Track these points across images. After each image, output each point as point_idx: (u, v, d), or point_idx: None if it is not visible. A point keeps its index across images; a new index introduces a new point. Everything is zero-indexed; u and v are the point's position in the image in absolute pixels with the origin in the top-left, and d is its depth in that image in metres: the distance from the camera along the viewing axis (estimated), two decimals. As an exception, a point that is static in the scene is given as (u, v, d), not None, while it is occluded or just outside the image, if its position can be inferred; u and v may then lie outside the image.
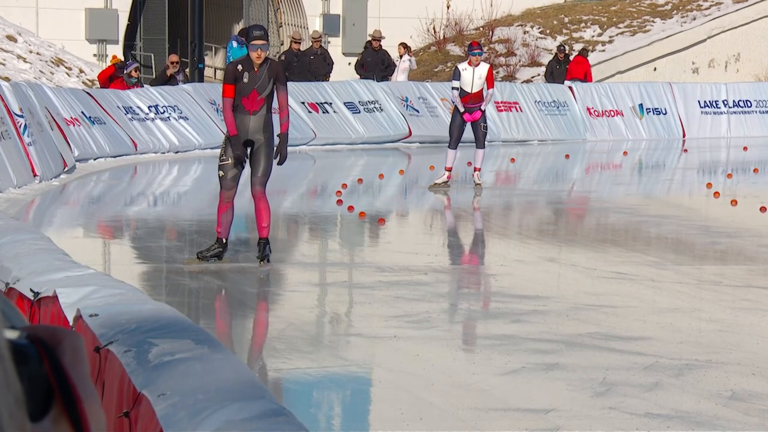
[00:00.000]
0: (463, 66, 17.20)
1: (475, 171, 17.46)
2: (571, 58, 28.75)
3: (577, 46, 31.95)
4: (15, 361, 1.01)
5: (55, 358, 1.03)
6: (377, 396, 7.49)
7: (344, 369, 7.99)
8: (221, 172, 10.95)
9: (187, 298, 10.25)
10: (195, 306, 10.00)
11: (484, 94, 17.06)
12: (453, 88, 17.31)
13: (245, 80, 10.69)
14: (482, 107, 17.19)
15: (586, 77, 27.75)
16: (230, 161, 10.85)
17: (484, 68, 17.08)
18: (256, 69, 10.66)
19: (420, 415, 6.74)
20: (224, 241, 10.93)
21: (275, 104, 10.89)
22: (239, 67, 10.73)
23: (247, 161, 10.97)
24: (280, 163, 11.09)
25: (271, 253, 11.02)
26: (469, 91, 17.03)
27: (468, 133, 17.31)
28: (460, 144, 17.44)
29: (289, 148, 25.54)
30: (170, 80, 24.33)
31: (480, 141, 17.24)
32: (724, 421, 6.55)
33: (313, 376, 7.72)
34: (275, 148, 11.00)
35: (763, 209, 15.26)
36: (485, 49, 32.80)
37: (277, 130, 10.91)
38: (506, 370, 7.63)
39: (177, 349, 3.30)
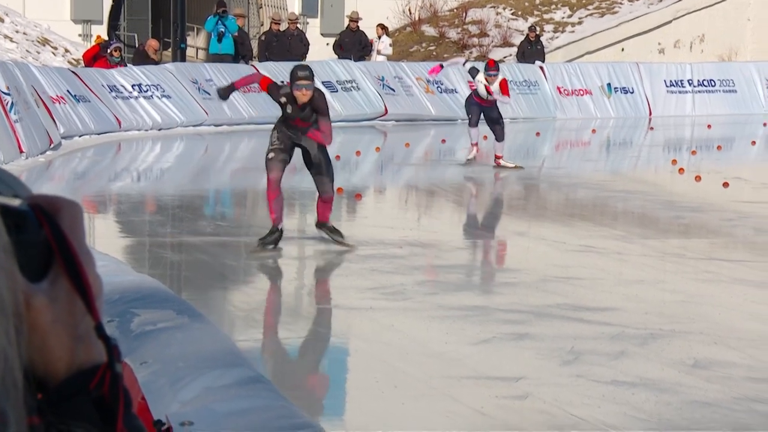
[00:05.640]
0: (480, 78, 17.10)
1: (496, 159, 17.27)
2: (544, 39, 28.79)
3: (548, 27, 31.96)
4: (15, 226, 1.02)
5: (54, 223, 1.04)
6: (353, 365, 7.51)
7: (321, 339, 8.01)
8: (271, 155, 10.69)
9: (169, 271, 10.24)
10: (177, 278, 9.99)
11: (498, 96, 17.06)
12: (471, 70, 17.38)
13: (289, 111, 10.52)
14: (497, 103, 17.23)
15: None
16: (281, 146, 10.62)
17: (497, 81, 16.99)
18: (299, 104, 10.42)
19: (394, 383, 6.76)
20: (280, 227, 10.74)
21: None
22: (283, 99, 10.52)
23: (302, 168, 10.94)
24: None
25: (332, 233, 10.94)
26: (483, 98, 17.12)
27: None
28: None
29: (267, 126, 25.53)
30: (148, 59, 24.36)
31: (498, 136, 17.14)
32: (686, 388, 6.60)
33: (292, 345, 7.73)
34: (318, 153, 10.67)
35: (725, 185, 15.32)
36: (458, 30, 32.79)
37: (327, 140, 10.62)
38: (478, 339, 7.66)
39: (158, 319, 3.30)
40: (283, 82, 10.65)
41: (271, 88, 10.77)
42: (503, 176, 16.76)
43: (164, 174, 17.91)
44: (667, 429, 5.98)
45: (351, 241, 10.83)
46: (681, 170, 16.96)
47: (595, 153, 21.48)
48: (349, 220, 13.95)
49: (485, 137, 18.16)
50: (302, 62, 11.41)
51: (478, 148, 17.59)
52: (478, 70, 17.23)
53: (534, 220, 13.92)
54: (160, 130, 22.05)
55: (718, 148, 21.34)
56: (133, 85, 22.28)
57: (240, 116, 23.22)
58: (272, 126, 11.05)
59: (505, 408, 6.24)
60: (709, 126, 24.60)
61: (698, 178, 15.99)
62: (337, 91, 24.76)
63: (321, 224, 10.93)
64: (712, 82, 27.77)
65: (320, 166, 10.64)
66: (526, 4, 33.53)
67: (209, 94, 23.11)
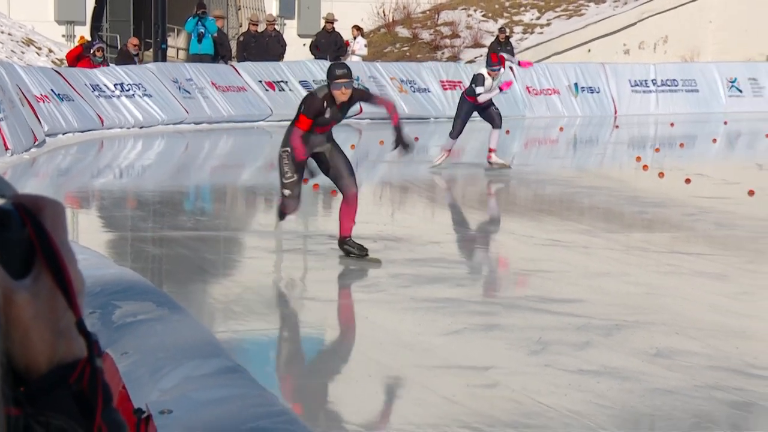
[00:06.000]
0: (485, 73, 16.31)
1: (489, 152, 16.68)
2: (513, 40, 28.83)
3: (518, 29, 32.00)
4: (0, 224, 1.03)
5: (37, 222, 1.05)
6: (329, 355, 7.52)
7: (297, 330, 8.01)
8: (287, 191, 9.88)
9: (150, 264, 10.22)
10: (158, 271, 9.98)
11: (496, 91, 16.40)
12: (475, 86, 16.39)
13: (326, 115, 9.69)
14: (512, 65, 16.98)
15: None
16: (295, 178, 9.83)
17: (501, 75, 16.33)
18: (338, 104, 9.67)
19: (368, 372, 6.78)
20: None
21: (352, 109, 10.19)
22: (325, 104, 9.63)
23: (316, 172, 10.17)
24: (407, 151, 10.01)
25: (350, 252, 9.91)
26: (480, 101, 16.43)
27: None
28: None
29: (246, 124, 25.47)
30: (130, 59, 24.38)
31: (495, 122, 16.49)
32: (649, 376, 6.63)
33: (269, 336, 7.74)
34: (399, 141, 9.89)
35: (687, 181, 15.39)
36: (431, 31, 32.79)
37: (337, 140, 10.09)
38: (449, 330, 7.68)
39: (139, 311, 3.31)
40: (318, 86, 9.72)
41: (308, 111, 9.66)
42: (472, 173, 16.75)
43: (145, 171, 17.87)
44: (629, 416, 6.01)
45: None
46: (645, 167, 17.02)
47: (562, 150, 21.52)
48: (325, 215, 13.96)
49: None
50: (340, 61, 10.53)
51: (449, 155, 16.86)
52: (481, 74, 16.33)
53: (503, 215, 13.96)
54: (141, 128, 22.00)
55: (681, 145, 21.41)
56: (115, 85, 22.22)
57: (219, 115, 23.19)
58: (280, 149, 9.97)
59: (475, 396, 6.26)
60: (672, 124, 24.68)
61: (661, 175, 16.05)
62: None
63: (342, 241, 9.90)
64: (675, 82, 27.86)
65: (338, 165, 9.86)
66: (496, 6, 33.58)
67: (189, 93, 23.08)
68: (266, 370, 6.91)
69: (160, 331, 3.17)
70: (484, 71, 16.34)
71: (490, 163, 16.66)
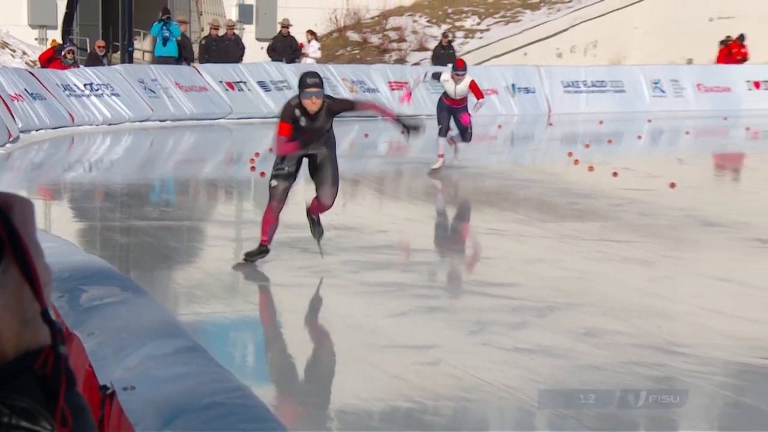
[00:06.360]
0: (445, 77, 15.62)
1: (439, 157, 15.69)
2: (455, 44, 28.89)
3: (459, 34, 32.02)
4: None
5: (7, 218, 1.05)
6: (283, 335, 7.52)
7: (255, 312, 8.00)
8: (274, 182, 9.16)
9: (118, 252, 10.17)
10: (125, 258, 9.93)
11: (469, 99, 15.69)
12: (434, 75, 15.97)
13: (302, 124, 8.90)
14: (471, 112, 15.71)
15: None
16: (286, 170, 9.11)
17: (466, 82, 15.54)
18: (311, 114, 8.87)
19: (320, 351, 6.79)
20: (268, 246, 9.28)
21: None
22: (296, 111, 8.88)
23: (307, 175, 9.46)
24: (417, 132, 9.32)
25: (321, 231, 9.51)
26: (453, 98, 15.67)
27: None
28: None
29: (207, 122, 25.28)
30: (97, 60, 24.26)
31: (465, 137, 15.79)
32: (578, 353, 6.68)
33: (229, 318, 7.72)
34: (404, 127, 9.28)
35: (614, 174, 15.48)
36: (380, 35, 32.77)
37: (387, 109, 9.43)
38: (395, 313, 7.69)
39: (104, 295, 3.30)
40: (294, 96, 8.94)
41: (283, 113, 9.02)
42: (417, 167, 16.75)
43: (113, 165, 17.75)
44: (557, 388, 6.05)
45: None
46: (576, 161, 17.11)
47: (500, 146, 21.59)
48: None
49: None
50: (312, 70, 9.48)
51: (444, 159, 15.83)
52: (440, 73, 15.92)
53: (446, 206, 14.00)
54: (109, 125, 21.85)
55: (609, 141, 21.53)
56: (85, 84, 22.07)
57: (182, 113, 23.09)
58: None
59: (419, 373, 6.28)
60: (600, 122, 24.81)
61: (591, 169, 16.14)
62: (270, 90, 24.70)
63: (309, 214, 9.51)
64: (604, 84, 28.01)
65: (326, 171, 9.18)
66: (440, 13, 33.61)
67: (154, 92, 22.96)
68: (225, 350, 6.90)
69: (124, 314, 3.15)
70: (447, 74, 15.73)
71: (431, 168, 15.81)
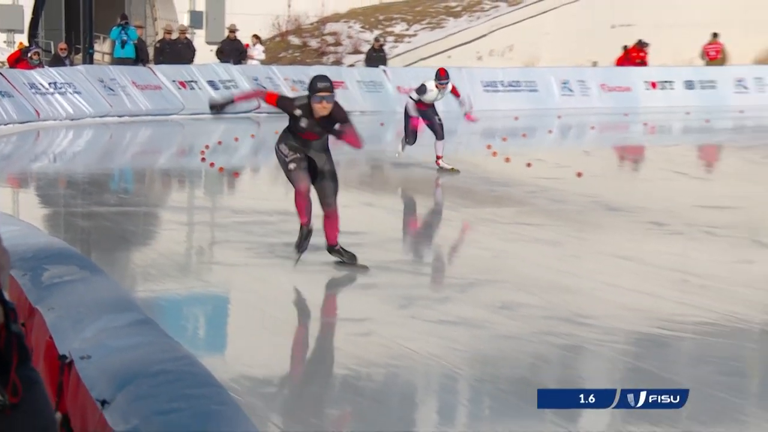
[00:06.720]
0: (430, 86, 14.69)
1: (438, 159, 14.88)
2: (386, 48, 28.85)
3: (390, 38, 31.97)
4: None
5: None
6: (232, 310, 7.47)
7: (206, 290, 7.94)
8: (293, 165, 8.08)
9: (79, 235, 10.04)
10: (86, 241, 9.81)
11: (437, 103, 14.88)
12: (410, 98, 15.03)
13: (303, 124, 7.94)
14: (467, 109, 15.15)
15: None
16: (297, 155, 8.08)
17: (448, 88, 14.62)
18: (317, 117, 7.88)
19: (264, 324, 6.76)
20: (310, 226, 8.32)
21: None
22: (297, 112, 7.94)
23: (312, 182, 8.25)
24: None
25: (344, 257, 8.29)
26: (428, 103, 14.86)
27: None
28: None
29: (161, 117, 25.04)
30: (60, 61, 24.01)
31: (438, 134, 14.88)
32: (494, 324, 6.71)
33: (180, 295, 7.66)
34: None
35: (528, 165, 15.57)
36: (318, 39, 32.65)
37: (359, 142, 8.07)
38: (332, 289, 7.68)
39: (64, 273, 3.25)
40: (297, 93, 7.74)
41: (282, 101, 8.10)
42: (351, 158, 16.73)
43: (76, 156, 17.55)
44: (479, 357, 6.08)
45: (364, 262, 8.28)
46: (494, 153, 17.18)
47: (426, 139, 21.59)
48: (229, 193, 13.86)
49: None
50: (322, 74, 8.15)
51: (400, 156, 15.15)
52: (424, 86, 14.81)
53: (378, 193, 13.99)
54: (72, 120, 21.61)
55: (523, 135, 21.65)
56: (49, 83, 21.83)
57: (139, 109, 22.90)
58: (276, 142, 8.31)
59: (353, 342, 6.28)
60: (516, 118, 24.94)
61: (507, 160, 16.22)
62: (219, 88, 24.55)
63: (331, 248, 8.31)
64: (519, 84, 28.15)
65: (325, 176, 8.17)
66: (372, 19, 33.57)
67: (113, 90, 22.72)
68: (177, 323, 6.85)
69: (82, 290, 3.11)
70: (431, 83, 14.75)
71: (440, 167, 14.89)
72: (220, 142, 19.03)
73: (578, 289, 7.69)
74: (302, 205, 8.21)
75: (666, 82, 29.32)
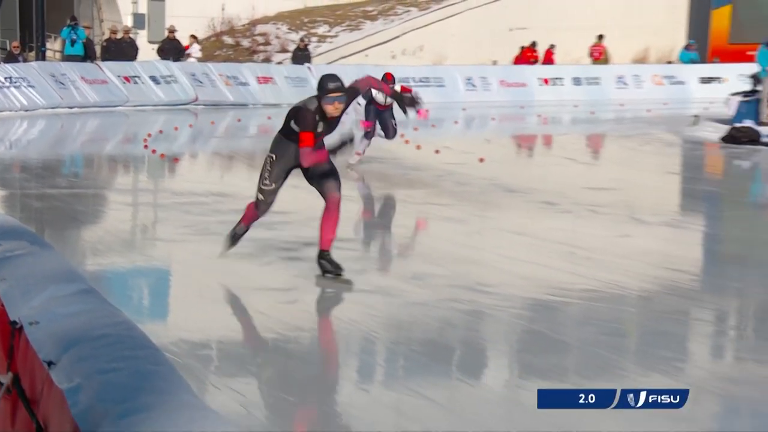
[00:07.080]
0: (375, 91, 13.65)
1: (357, 154, 13.69)
2: (310, 47, 28.72)
3: (314, 39, 31.81)
4: None
5: None
6: (171, 282, 7.39)
7: (148, 263, 7.84)
8: (261, 197, 7.22)
9: (34, 215, 9.84)
10: (40, 220, 9.62)
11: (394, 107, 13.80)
12: (358, 104, 13.80)
13: (319, 129, 6.80)
14: (420, 106, 14.38)
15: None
16: (273, 186, 7.20)
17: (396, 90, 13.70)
18: (330, 118, 6.81)
19: (200, 293, 6.70)
20: (249, 227, 7.48)
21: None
22: (317, 117, 6.74)
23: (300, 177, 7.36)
24: (417, 105, 7.47)
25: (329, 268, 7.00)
26: (384, 104, 13.90)
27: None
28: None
29: (108, 108, 24.63)
30: (14, 58, 23.59)
31: (389, 134, 14.02)
32: (406, 293, 6.73)
33: (126, 268, 7.55)
34: (401, 105, 7.44)
35: (437, 152, 15.65)
36: (249, 39, 32.35)
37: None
38: (262, 261, 7.64)
39: (15, 248, 3.19)
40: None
41: (306, 122, 6.78)
42: (360, 166, 16.51)
43: (30, 144, 17.21)
44: (393, 322, 6.10)
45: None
46: (407, 141, 17.22)
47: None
48: (169, 177, 13.69)
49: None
50: (331, 73, 6.81)
51: (361, 156, 13.89)
52: (372, 94, 13.89)
53: (303, 177, 13.89)
54: (26, 111, 21.20)
55: (432, 126, 21.74)
56: (5, 78, 21.44)
57: (87, 101, 22.57)
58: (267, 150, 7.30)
59: (280, 309, 6.25)
60: (427, 110, 24.99)
61: (418, 147, 16.29)
62: (160, 83, 24.27)
63: (322, 255, 7.01)
64: (428, 80, 28.23)
65: (329, 175, 7.13)
66: (298, 22, 33.38)
67: (64, 84, 22.37)
68: (123, 293, 6.76)
69: (31, 263, 3.05)
70: (374, 90, 13.55)
71: (350, 163, 13.63)
72: (161, 131, 18.78)
73: (480, 261, 7.75)
74: (251, 218, 7.37)
75: (557, 78, 29.67)
